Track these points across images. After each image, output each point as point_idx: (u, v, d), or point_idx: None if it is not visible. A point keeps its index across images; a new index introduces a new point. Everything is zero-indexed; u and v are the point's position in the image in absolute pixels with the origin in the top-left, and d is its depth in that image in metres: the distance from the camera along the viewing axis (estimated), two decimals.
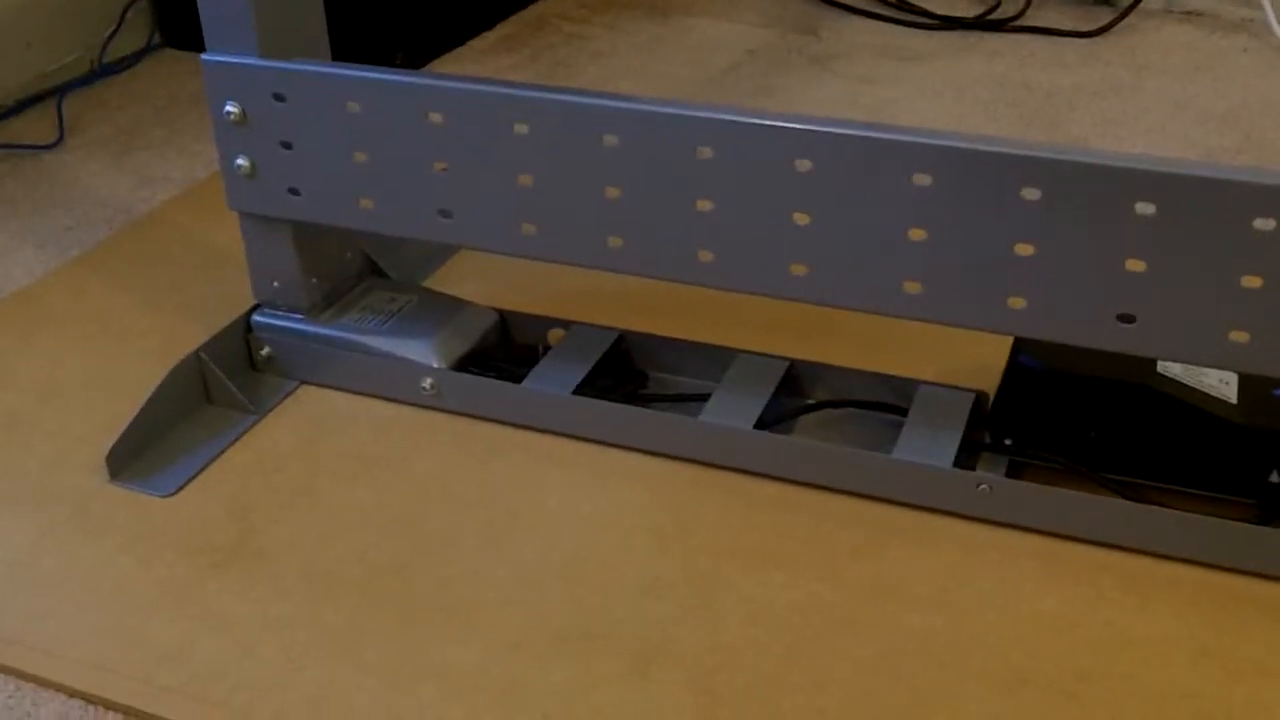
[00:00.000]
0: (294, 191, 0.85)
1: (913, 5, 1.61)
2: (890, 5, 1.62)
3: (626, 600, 0.73)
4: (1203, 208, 0.66)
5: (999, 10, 1.59)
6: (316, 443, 0.86)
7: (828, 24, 1.60)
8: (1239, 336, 0.68)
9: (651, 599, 0.74)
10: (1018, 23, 1.56)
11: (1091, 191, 0.68)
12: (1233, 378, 0.79)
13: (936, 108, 1.37)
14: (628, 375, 0.89)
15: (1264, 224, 0.65)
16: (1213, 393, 0.78)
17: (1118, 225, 0.68)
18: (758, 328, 0.91)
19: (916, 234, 0.72)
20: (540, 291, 0.98)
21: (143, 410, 0.84)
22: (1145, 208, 0.67)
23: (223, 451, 0.85)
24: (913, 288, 0.73)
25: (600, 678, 0.69)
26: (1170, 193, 0.66)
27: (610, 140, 0.76)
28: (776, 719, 0.66)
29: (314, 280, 0.90)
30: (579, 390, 0.85)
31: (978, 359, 0.86)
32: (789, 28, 1.58)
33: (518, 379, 0.86)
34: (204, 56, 0.84)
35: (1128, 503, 0.76)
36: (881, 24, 1.59)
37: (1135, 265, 0.68)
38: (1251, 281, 0.67)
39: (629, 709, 0.67)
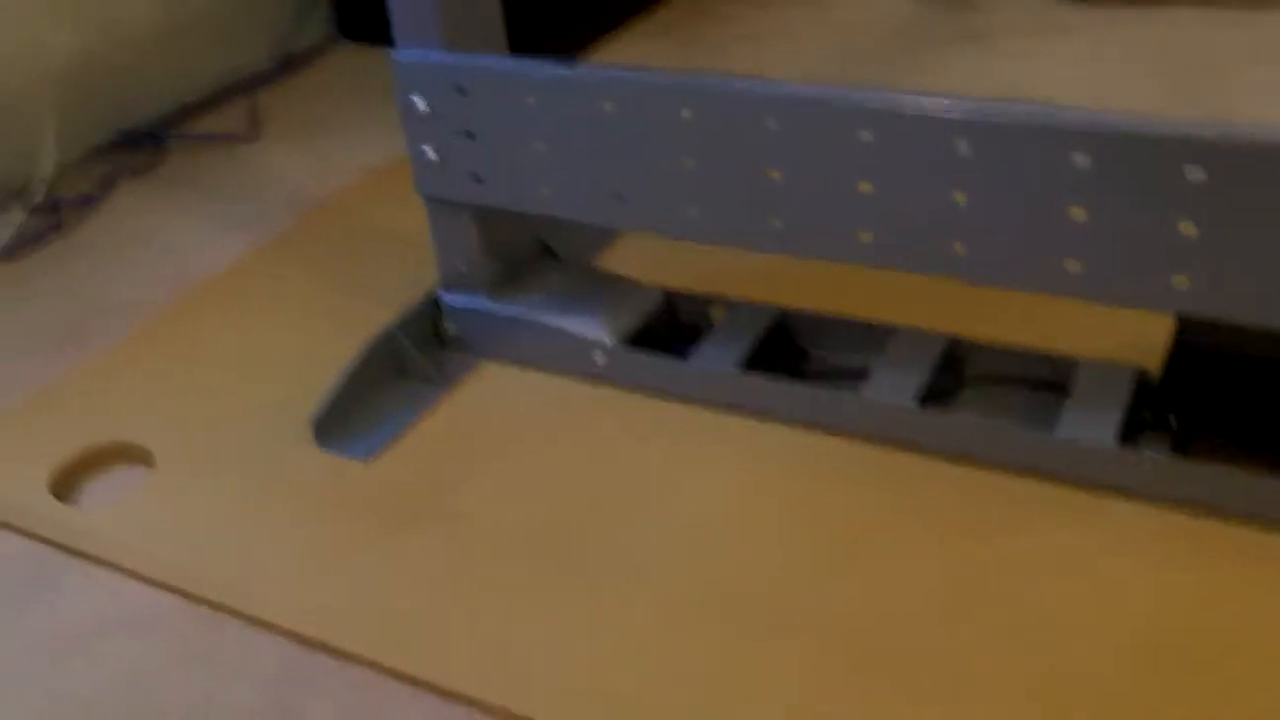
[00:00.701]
0: (477, 178, 0.90)
1: None
2: None
3: (783, 566, 0.77)
4: None
5: None
6: (498, 414, 0.92)
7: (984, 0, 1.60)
8: None
9: (806, 565, 0.77)
10: None
11: (1256, 169, 0.68)
12: None
13: (1094, 81, 1.37)
14: (789, 352, 0.93)
15: None
16: None
17: None
18: (916, 304, 0.93)
19: (1076, 213, 0.73)
20: (702, 270, 1.01)
21: (343, 381, 0.91)
22: None
23: (415, 421, 0.91)
24: (1074, 266, 0.75)
25: (754, 638, 0.72)
26: None
27: (772, 125, 0.79)
28: (923, 684, 0.69)
29: (494, 262, 0.96)
30: (742, 366, 0.89)
31: (1140, 336, 0.86)
32: (942, 3, 1.59)
33: (683, 355, 0.91)
34: (393, 53, 0.90)
35: None
36: None
37: None
38: None
39: (783, 666, 0.70)
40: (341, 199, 1.25)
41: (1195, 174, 0.70)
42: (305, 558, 0.81)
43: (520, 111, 0.86)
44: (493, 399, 0.93)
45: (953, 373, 0.89)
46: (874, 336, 0.90)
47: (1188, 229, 0.71)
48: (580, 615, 0.75)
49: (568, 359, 0.94)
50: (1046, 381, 0.86)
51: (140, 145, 1.39)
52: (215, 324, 1.06)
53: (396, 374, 0.95)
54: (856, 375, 0.88)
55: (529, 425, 0.91)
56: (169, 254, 1.19)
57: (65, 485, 0.90)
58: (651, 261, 1.04)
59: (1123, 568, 0.75)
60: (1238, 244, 0.70)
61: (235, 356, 1.01)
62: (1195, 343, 0.80)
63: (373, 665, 0.73)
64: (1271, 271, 0.70)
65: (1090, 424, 0.80)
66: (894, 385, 0.85)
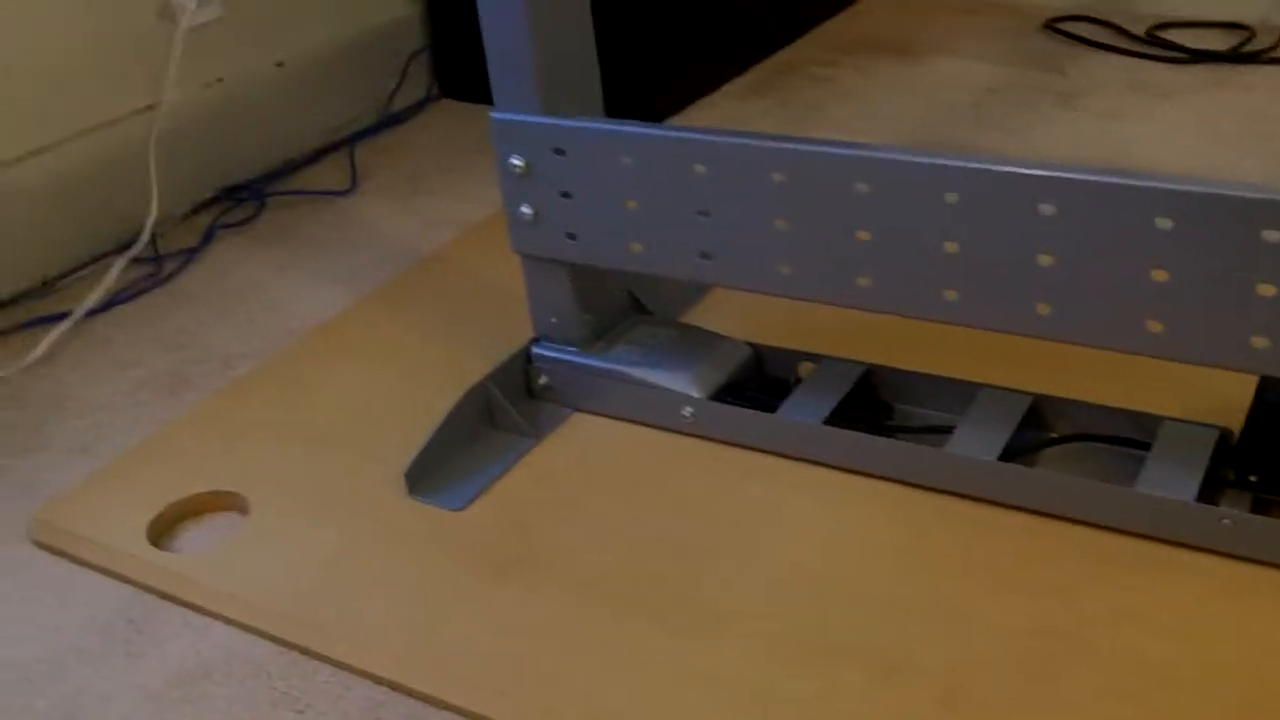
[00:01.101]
0: (571, 236, 0.94)
1: (1162, 39, 1.61)
2: (1139, 40, 1.62)
3: (871, 616, 0.79)
4: None
5: (1253, 42, 1.58)
6: (588, 464, 0.95)
7: (1074, 60, 1.61)
8: None
9: (895, 616, 0.79)
10: (1273, 55, 1.54)
11: None
12: None
13: (1186, 144, 1.38)
14: (875, 407, 0.95)
15: None
16: None
17: None
18: (1001, 362, 0.94)
19: (1159, 275, 0.75)
20: (790, 326, 1.04)
21: (436, 432, 0.94)
22: None
23: (506, 471, 0.94)
24: (1155, 327, 0.76)
25: (845, 687, 0.74)
26: None
27: (861, 187, 0.81)
28: None
29: (587, 316, 0.99)
30: (829, 420, 0.91)
31: (1222, 395, 0.87)
32: (1034, 65, 1.60)
33: (771, 409, 0.93)
34: (493, 114, 0.93)
35: None
36: (1129, 59, 1.59)
37: None
38: None
39: (871, 718, 0.72)
40: (439, 253, 1.30)
41: (1272, 236, 0.71)
42: (396, 604, 0.84)
43: (615, 172, 0.90)
44: (582, 450, 0.96)
45: (1037, 429, 0.91)
46: (959, 393, 0.92)
47: (1265, 289, 0.72)
48: (670, 663, 0.77)
49: (656, 412, 0.96)
50: (1129, 439, 0.87)
51: (241, 200, 1.45)
52: (313, 374, 1.10)
53: (489, 425, 0.99)
54: (941, 431, 0.90)
55: (618, 476, 0.93)
56: (267, 306, 1.24)
57: (164, 532, 0.94)
58: (740, 316, 1.07)
59: (1210, 623, 0.76)
60: None
61: (333, 406, 1.05)
62: (1277, 401, 0.81)
63: (463, 712, 0.76)
64: None
65: (1171, 481, 0.81)
66: (978, 441, 0.87)
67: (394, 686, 0.78)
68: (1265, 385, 0.82)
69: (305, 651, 0.81)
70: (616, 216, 0.91)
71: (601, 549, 0.86)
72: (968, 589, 0.80)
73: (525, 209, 0.95)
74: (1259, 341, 0.74)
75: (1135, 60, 1.59)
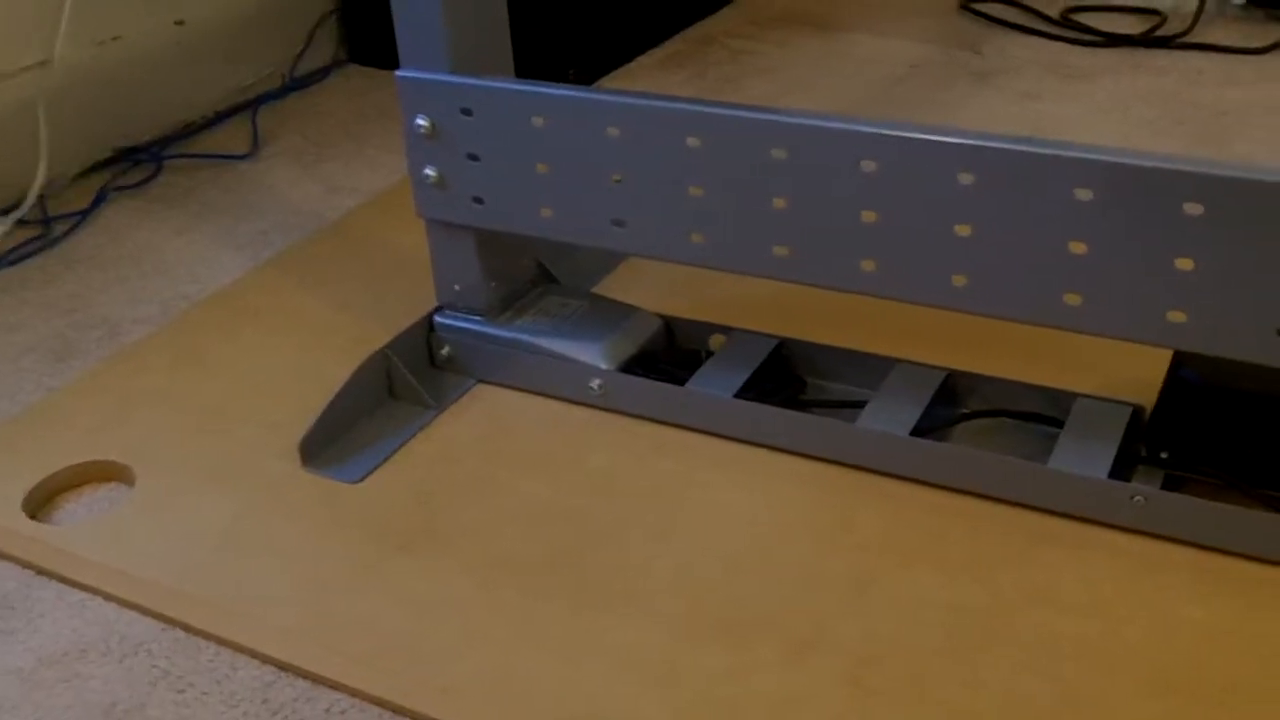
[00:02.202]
0: (479, 200, 0.91)
1: (1077, 23, 1.61)
2: (1054, 23, 1.62)
3: (784, 593, 0.77)
4: None
5: (1165, 27, 1.58)
6: (492, 437, 0.92)
7: (990, 41, 1.61)
8: None
9: (808, 593, 0.77)
10: (1185, 39, 1.55)
11: (1252, 206, 0.69)
12: None
13: (1102, 125, 1.38)
14: (787, 381, 0.93)
15: None
16: None
17: (1278, 240, 0.69)
18: (916, 337, 0.93)
19: (1077, 247, 0.74)
20: (703, 298, 1.02)
21: (332, 403, 0.91)
22: None
23: (406, 443, 0.91)
24: (1073, 300, 0.75)
25: (757, 663, 0.72)
26: None
27: (778, 153, 0.79)
28: (927, 713, 0.69)
29: (493, 284, 0.96)
30: (740, 394, 0.89)
31: (1136, 372, 0.87)
32: (951, 44, 1.60)
33: (681, 382, 0.90)
34: (398, 73, 0.90)
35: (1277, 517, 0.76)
36: (1045, 41, 1.59)
37: None
38: None
39: (783, 694, 0.70)
40: (344, 220, 1.26)
41: (1193, 209, 0.70)
42: (287, 580, 0.80)
43: (526, 134, 0.87)
44: (486, 422, 0.93)
45: (950, 405, 0.89)
46: (873, 367, 0.91)
47: (1184, 263, 0.71)
48: (575, 641, 0.74)
49: (563, 384, 0.94)
50: (1043, 416, 0.86)
51: (138, 162, 1.39)
52: (209, 342, 1.06)
53: (390, 396, 0.95)
54: (854, 405, 0.88)
55: (522, 449, 0.90)
56: (163, 271, 1.19)
57: (41, 504, 0.89)
58: (653, 288, 1.05)
59: (1122, 600, 0.75)
60: (1233, 280, 0.70)
61: (229, 375, 1.01)
62: (1190, 378, 0.80)
63: (355, 692, 0.72)
64: (1266, 307, 0.70)
65: (1083, 458, 0.80)
66: (890, 416, 0.85)
67: (283, 666, 0.75)
68: (1179, 361, 0.82)
69: (190, 629, 0.77)
70: (526, 180, 0.88)
71: (505, 523, 0.84)
72: (881, 565, 0.78)
73: (430, 171, 0.91)
74: (1176, 316, 0.73)
75: (1050, 42, 1.59)
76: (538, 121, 0.86)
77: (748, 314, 0.98)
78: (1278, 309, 0.70)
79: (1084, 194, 0.72)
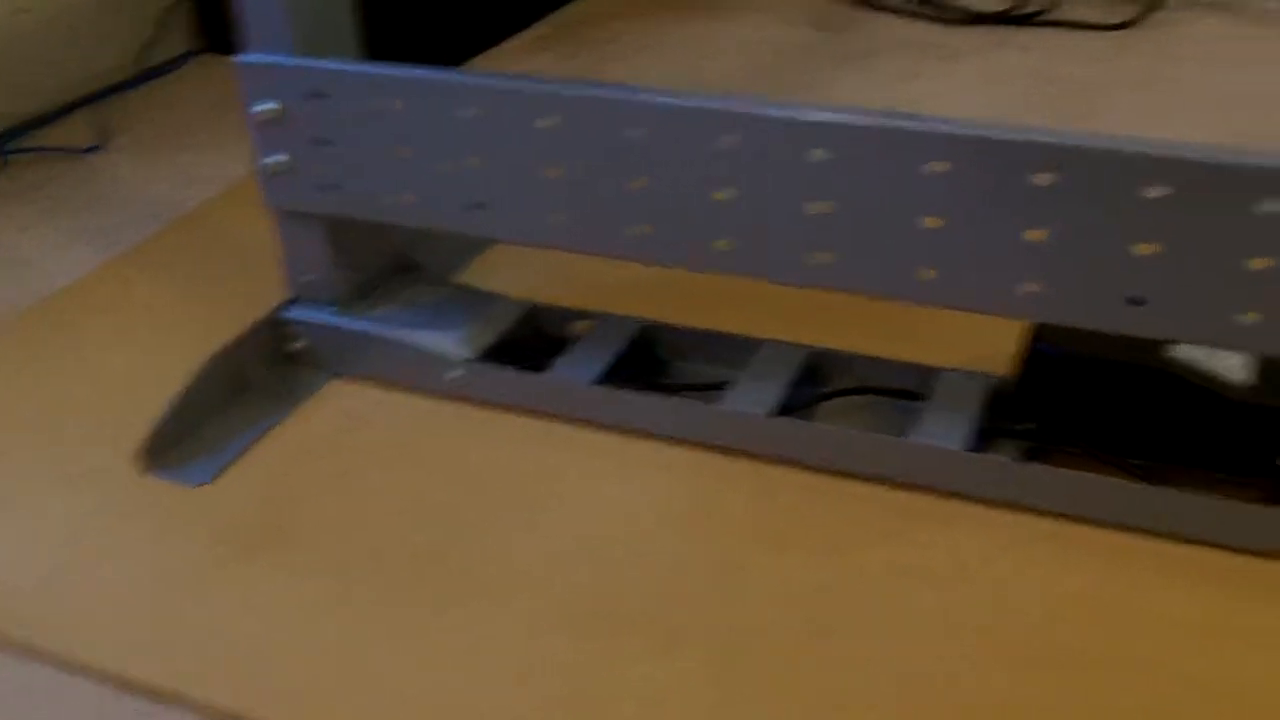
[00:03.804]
0: (332, 187, 0.88)
1: (944, 2, 1.62)
2: (922, 3, 1.63)
3: (650, 582, 0.75)
4: (1210, 191, 0.67)
5: (1029, 4, 1.60)
6: (348, 432, 0.89)
7: (861, 22, 1.61)
8: (1248, 318, 0.69)
9: (675, 580, 0.75)
10: (1048, 17, 1.57)
11: (1102, 176, 0.69)
12: (1249, 359, 0.79)
13: (969, 102, 1.38)
14: (651, 364, 0.91)
15: (1272, 206, 0.66)
16: (1227, 374, 0.78)
17: (1128, 209, 0.69)
18: (782, 316, 0.92)
19: (931, 221, 0.73)
20: (570, 283, 1.00)
21: (178, 401, 0.87)
22: (1154, 191, 0.68)
23: (257, 441, 0.88)
24: (928, 274, 0.74)
25: (624, 656, 0.70)
26: (1178, 176, 0.67)
27: (634, 133, 0.77)
28: (797, 697, 0.68)
29: (346, 274, 0.93)
30: (603, 379, 0.87)
31: (999, 345, 0.86)
32: (823, 26, 1.60)
33: (543, 369, 0.88)
34: (242, 58, 0.86)
35: (1142, 485, 0.77)
36: (913, 21, 1.60)
37: (1145, 248, 0.69)
38: (1260, 263, 0.67)
39: (652, 686, 0.68)
40: (197, 212, 1.21)
41: (1043, 179, 0.70)
42: (128, 591, 0.76)
43: (380, 116, 0.84)
44: (342, 418, 0.90)
45: (814, 383, 0.89)
46: (737, 348, 0.89)
47: (1035, 235, 0.71)
48: (437, 641, 0.72)
49: (421, 374, 0.91)
50: (907, 391, 0.86)
51: None
52: (54, 339, 1.01)
53: (239, 393, 0.92)
54: (719, 387, 0.87)
55: (380, 444, 0.88)
56: (7, 268, 1.14)
57: None
58: (517, 275, 1.02)
59: (986, 572, 0.75)
60: (1084, 250, 0.70)
61: (73, 374, 0.97)
62: (1048, 349, 0.81)
63: (199, 706, 0.69)
64: (1117, 276, 0.70)
65: (946, 431, 0.80)
66: (754, 396, 0.84)
67: (121, 682, 0.71)
68: (1038, 333, 0.82)
69: (19, 644, 0.73)
70: (381, 164, 0.85)
71: (362, 523, 0.81)
72: (747, 549, 0.77)
73: (280, 157, 0.88)
74: (1030, 287, 0.73)
75: (918, 22, 1.60)
76: (392, 104, 0.83)
77: (613, 298, 0.96)
78: (1129, 278, 0.70)
79: (935, 167, 0.72)
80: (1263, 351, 0.71)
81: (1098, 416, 0.80)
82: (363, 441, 0.88)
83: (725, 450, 0.84)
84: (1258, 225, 0.66)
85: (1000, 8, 1.60)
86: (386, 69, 0.83)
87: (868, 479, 0.82)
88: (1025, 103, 1.37)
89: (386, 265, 0.97)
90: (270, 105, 0.86)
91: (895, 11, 1.62)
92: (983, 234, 0.72)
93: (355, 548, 0.79)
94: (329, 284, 0.92)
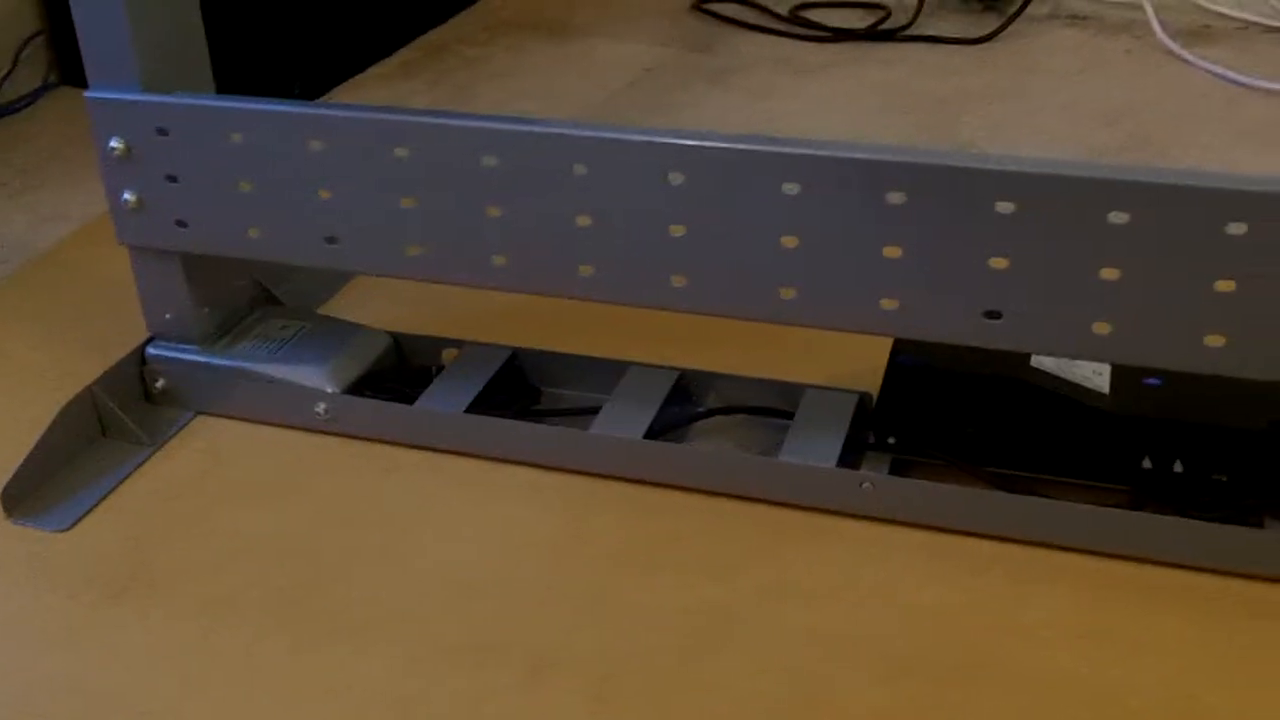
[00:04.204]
0: (181, 224, 0.86)
1: (806, 19, 1.64)
2: (784, 20, 1.65)
3: (521, 611, 0.75)
4: (1059, 204, 0.68)
5: (889, 20, 1.63)
6: (212, 472, 0.87)
7: (723, 41, 1.62)
8: (1101, 328, 0.70)
9: (545, 609, 0.75)
10: (908, 32, 1.60)
11: (952, 192, 0.70)
12: (1105, 368, 0.81)
13: (832, 118, 1.40)
14: (521, 392, 0.91)
15: (1118, 218, 0.68)
16: (1086, 383, 0.80)
17: (980, 224, 0.70)
18: (651, 339, 0.92)
19: (789, 241, 0.74)
20: (436, 313, 0.99)
21: (36, 447, 0.84)
22: (1004, 206, 0.69)
23: (118, 485, 0.85)
24: (788, 294, 0.75)
25: (493, 689, 0.70)
26: (1027, 190, 0.69)
27: (488, 161, 0.77)
28: None
29: (206, 310, 0.91)
30: (472, 408, 0.86)
31: (866, 361, 0.87)
32: (685, 46, 1.61)
33: (411, 400, 0.87)
34: (87, 93, 0.84)
35: (1005, 494, 0.78)
36: (775, 39, 1.62)
37: (998, 263, 0.71)
38: (1110, 274, 0.69)
39: (525, 717, 0.68)
40: (55, 250, 1.18)
41: (896, 198, 0.71)
42: None
43: (225, 152, 0.82)
44: (207, 457, 0.88)
45: (685, 404, 0.89)
46: (606, 372, 0.89)
47: (891, 251, 0.72)
48: (303, 681, 0.71)
49: (288, 410, 0.89)
50: (775, 409, 0.87)
51: None
52: None
53: (99, 435, 0.89)
54: (589, 412, 0.87)
55: (245, 482, 0.86)
56: None
57: None
58: (385, 305, 1.01)
59: (857, 587, 0.75)
60: (940, 265, 0.71)
61: None
62: (909, 363, 0.82)
63: None
64: (973, 291, 0.71)
65: (813, 448, 0.81)
66: (624, 419, 0.84)
67: None
68: (898, 348, 0.83)
69: None
70: (229, 200, 0.84)
71: (230, 564, 0.79)
72: (620, 574, 0.77)
73: (128, 195, 0.86)
74: (887, 304, 0.74)
75: (781, 39, 1.61)
76: (236, 138, 0.82)
77: (481, 326, 0.95)
78: (984, 293, 0.72)
79: (791, 188, 0.72)
80: (1115, 360, 0.73)
81: (960, 428, 0.81)
82: (227, 480, 0.86)
83: (597, 475, 0.84)
84: (1107, 236, 0.68)
85: (863, 24, 1.63)
86: (232, 102, 0.82)
87: (740, 498, 0.82)
88: (887, 117, 1.39)
89: (248, 300, 0.95)
90: (117, 142, 0.84)
91: (760, 29, 1.64)
92: (840, 252, 0.73)
93: (220, 589, 0.77)
94: (189, 321, 0.90)
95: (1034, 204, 0.69)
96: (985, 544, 0.78)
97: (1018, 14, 1.61)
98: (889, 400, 0.82)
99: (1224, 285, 0.67)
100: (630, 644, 0.72)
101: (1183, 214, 0.66)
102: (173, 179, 0.84)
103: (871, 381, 0.85)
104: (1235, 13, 1.59)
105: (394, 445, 0.88)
